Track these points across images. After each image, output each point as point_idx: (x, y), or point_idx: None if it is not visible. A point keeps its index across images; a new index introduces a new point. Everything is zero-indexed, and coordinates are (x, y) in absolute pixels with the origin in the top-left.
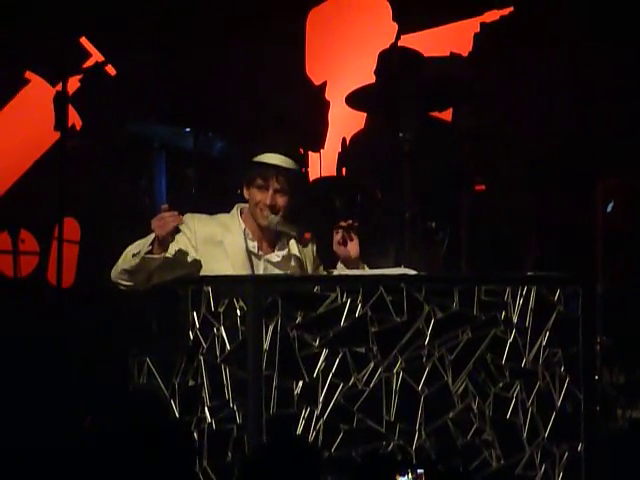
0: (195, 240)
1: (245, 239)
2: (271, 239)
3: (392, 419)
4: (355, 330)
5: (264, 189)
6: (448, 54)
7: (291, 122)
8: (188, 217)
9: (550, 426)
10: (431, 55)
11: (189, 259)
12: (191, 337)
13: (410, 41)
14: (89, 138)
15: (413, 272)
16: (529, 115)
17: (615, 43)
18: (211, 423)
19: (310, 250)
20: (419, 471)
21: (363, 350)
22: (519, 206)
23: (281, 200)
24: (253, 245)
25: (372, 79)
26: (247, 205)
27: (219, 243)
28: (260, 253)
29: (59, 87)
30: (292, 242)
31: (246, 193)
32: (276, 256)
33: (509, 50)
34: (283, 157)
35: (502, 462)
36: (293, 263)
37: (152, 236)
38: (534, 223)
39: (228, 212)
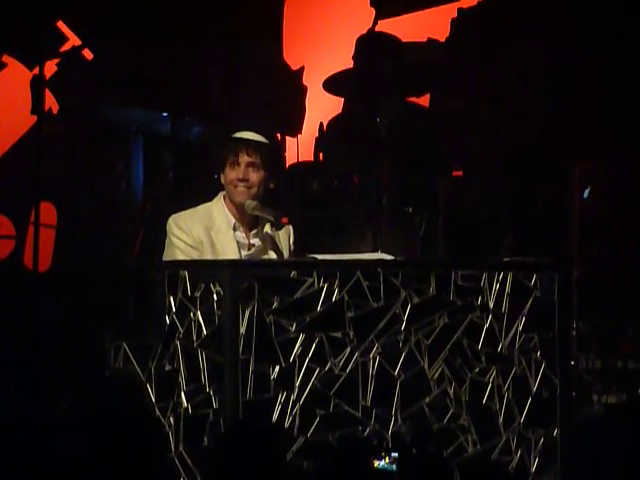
0: (193, 241)
1: (234, 233)
2: (251, 224)
3: (368, 404)
4: (332, 315)
5: (235, 165)
6: (425, 39)
7: (269, 107)
8: (177, 219)
9: (526, 411)
10: (408, 40)
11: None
12: (168, 321)
13: (387, 26)
14: (66, 122)
15: (390, 257)
16: (506, 101)
17: (591, 31)
18: (187, 408)
19: (286, 236)
20: (394, 455)
21: (340, 335)
22: (496, 191)
23: (254, 175)
24: (243, 236)
25: (350, 64)
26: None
27: (211, 240)
28: (250, 242)
29: (36, 71)
30: (267, 227)
31: (222, 178)
32: (242, 237)
33: (486, 36)
34: (252, 133)
35: (478, 447)
36: (269, 249)
37: None
38: (511, 208)
39: (210, 200)
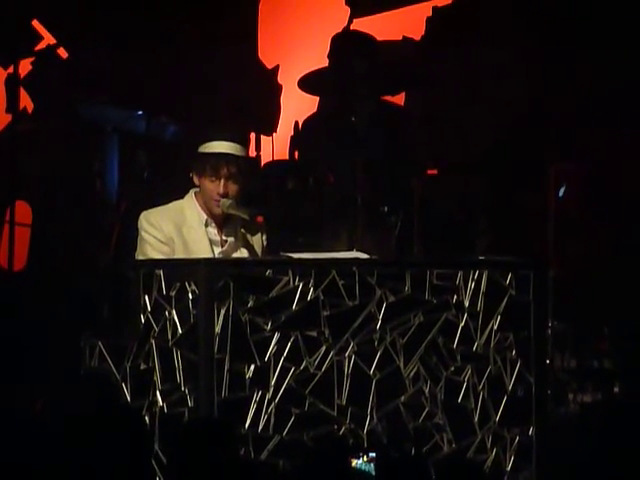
0: (164, 236)
1: (206, 229)
2: (223, 220)
3: (344, 403)
4: (307, 314)
5: (215, 179)
6: (400, 38)
7: (244, 106)
8: (148, 215)
9: (501, 410)
10: (383, 39)
11: (167, 255)
12: (143, 320)
13: (362, 25)
14: (41, 121)
15: (365, 256)
16: (481, 100)
17: (567, 30)
18: (162, 406)
19: (259, 235)
20: (371, 454)
21: (315, 334)
22: (471, 190)
23: (233, 187)
24: (214, 233)
25: (325, 63)
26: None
27: (183, 237)
28: (223, 239)
29: (10, 70)
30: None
31: (197, 180)
32: (214, 234)
33: (461, 34)
34: (231, 144)
35: (453, 446)
36: (241, 246)
37: None
38: (486, 207)
39: (181, 198)
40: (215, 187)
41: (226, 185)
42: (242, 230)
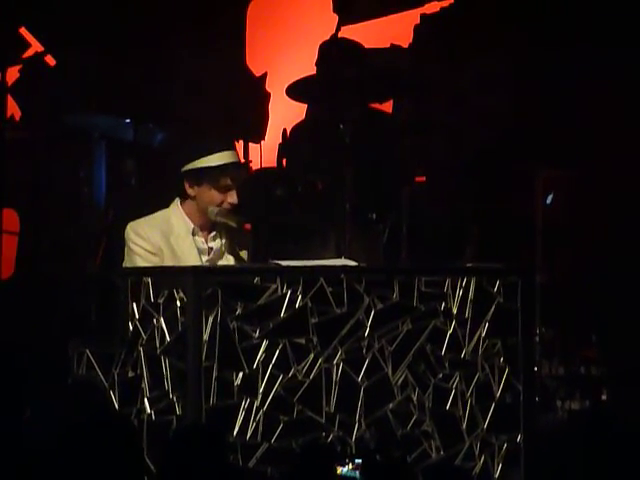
0: (152, 247)
1: (194, 238)
2: (209, 228)
3: (332, 410)
4: (295, 321)
5: (226, 190)
6: (389, 45)
7: (231, 114)
8: (135, 226)
9: (489, 417)
10: (371, 46)
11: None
12: (131, 328)
13: (351, 32)
14: (28, 128)
15: (353, 263)
16: (469, 107)
17: (555, 38)
18: (150, 414)
19: (245, 243)
20: (357, 461)
21: (303, 341)
22: (459, 198)
23: (235, 195)
24: (202, 241)
25: (313, 70)
26: (187, 200)
27: (171, 247)
28: (210, 246)
29: None
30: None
31: (192, 191)
32: (202, 242)
33: (449, 41)
34: (233, 152)
35: (441, 453)
36: (228, 254)
37: None
38: (474, 214)
39: (166, 206)
40: (224, 197)
41: (233, 195)
42: (228, 238)
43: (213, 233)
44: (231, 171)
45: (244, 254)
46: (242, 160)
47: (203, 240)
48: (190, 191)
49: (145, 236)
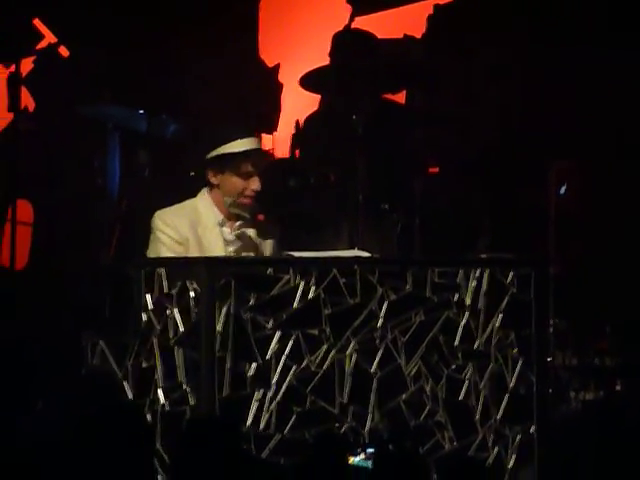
0: (180, 236)
1: (221, 229)
2: (237, 220)
3: (345, 401)
4: (308, 312)
5: (248, 176)
6: (402, 36)
7: (244, 104)
8: (163, 215)
9: (503, 408)
10: (385, 37)
11: (180, 255)
12: (144, 319)
13: (364, 23)
14: (42, 120)
15: (366, 254)
16: (482, 98)
17: (567, 28)
18: (164, 405)
19: (272, 234)
20: (369, 451)
21: (316, 332)
22: (472, 188)
23: (258, 182)
24: (229, 232)
25: (326, 61)
26: (213, 189)
27: (197, 237)
28: (236, 236)
29: (12, 68)
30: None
31: (215, 179)
32: (228, 233)
33: (462, 32)
34: (255, 139)
35: (455, 444)
36: (253, 246)
37: None
38: (487, 205)
39: (185, 197)
40: (246, 184)
41: (254, 181)
42: (253, 229)
43: (239, 223)
44: (253, 157)
45: (269, 245)
46: (264, 148)
47: (229, 230)
48: (213, 180)
49: (172, 225)
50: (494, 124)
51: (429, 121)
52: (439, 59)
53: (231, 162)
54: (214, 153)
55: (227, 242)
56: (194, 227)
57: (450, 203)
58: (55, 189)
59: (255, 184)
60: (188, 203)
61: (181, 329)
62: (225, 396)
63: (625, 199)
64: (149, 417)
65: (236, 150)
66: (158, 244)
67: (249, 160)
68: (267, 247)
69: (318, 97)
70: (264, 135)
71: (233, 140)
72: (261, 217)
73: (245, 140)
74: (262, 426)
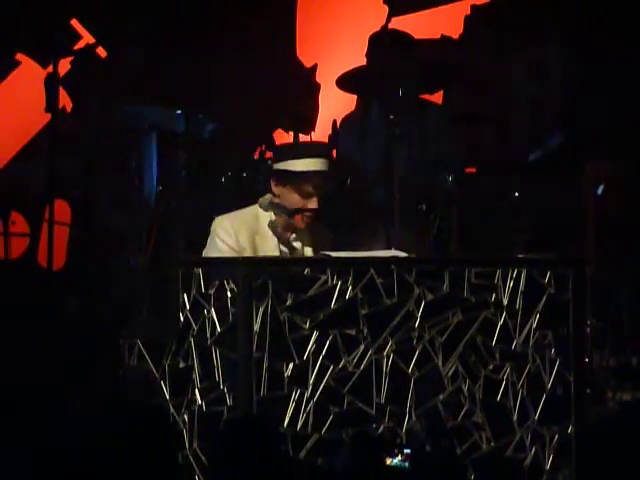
0: (238, 246)
1: (278, 243)
2: (294, 228)
3: (382, 401)
4: (345, 312)
5: (309, 196)
6: (439, 37)
7: (282, 104)
8: (223, 222)
9: (540, 408)
10: (422, 37)
11: None
12: (182, 319)
13: (401, 23)
14: (80, 120)
15: (403, 254)
16: (519, 98)
17: (605, 28)
18: (201, 405)
19: (328, 240)
20: (406, 451)
21: (353, 332)
22: (509, 188)
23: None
24: (283, 247)
25: (363, 61)
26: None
27: (255, 246)
28: (293, 246)
29: (50, 69)
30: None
31: (277, 189)
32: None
33: (500, 33)
34: (325, 160)
35: (492, 444)
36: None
37: None
38: (524, 205)
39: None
40: (305, 203)
41: (313, 202)
42: (311, 237)
43: (298, 234)
44: (313, 179)
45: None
46: (329, 169)
47: (287, 240)
48: (275, 190)
49: (231, 233)
50: (531, 124)
51: (466, 121)
52: (476, 60)
53: (292, 179)
54: (278, 166)
55: (283, 252)
56: (252, 236)
57: (487, 203)
58: (92, 189)
59: (313, 204)
60: (249, 209)
61: (218, 329)
62: (262, 396)
63: None
64: (186, 417)
65: (297, 169)
66: (214, 251)
67: (310, 181)
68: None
69: (355, 98)
70: (302, 135)
71: (299, 158)
72: (298, 218)
73: (309, 160)
74: (299, 426)
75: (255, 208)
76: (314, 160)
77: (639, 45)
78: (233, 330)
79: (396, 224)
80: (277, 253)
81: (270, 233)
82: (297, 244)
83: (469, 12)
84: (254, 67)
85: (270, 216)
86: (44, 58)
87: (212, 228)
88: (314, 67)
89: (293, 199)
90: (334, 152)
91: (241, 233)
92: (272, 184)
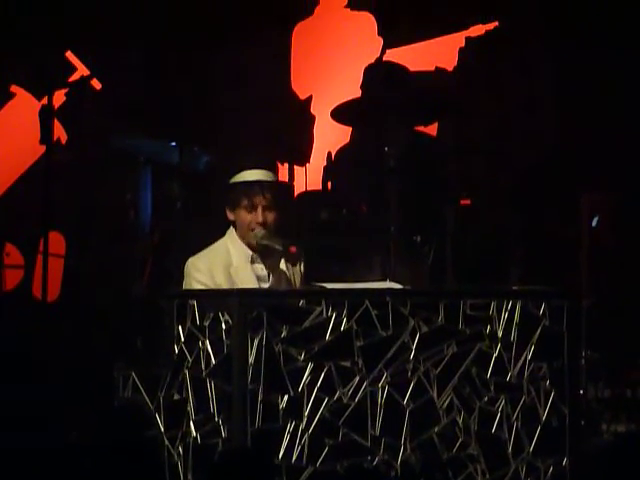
0: (214, 284)
1: (252, 266)
2: (267, 254)
3: (377, 433)
4: (340, 344)
5: (252, 209)
6: (433, 68)
7: (277, 136)
8: (196, 262)
9: (535, 440)
10: (416, 69)
11: None
12: (176, 351)
13: (395, 55)
14: (74, 152)
15: (398, 286)
16: (514, 130)
17: (598, 60)
18: (196, 437)
19: (299, 266)
20: None
21: (348, 364)
22: (504, 220)
23: (270, 216)
24: (261, 268)
25: (358, 93)
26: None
27: (231, 279)
28: (268, 273)
29: (45, 101)
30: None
31: (231, 215)
32: (261, 269)
33: (494, 65)
34: (262, 171)
35: (487, 476)
36: (286, 280)
37: None
38: (519, 237)
39: (218, 231)
40: (252, 217)
41: (263, 215)
42: (284, 262)
43: (270, 260)
44: (260, 189)
45: (298, 278)
46: (277, 180)
47: (262, 267)
48: (230, 216)
49: (205, 271)
50: (525, 155)
51: (461, 153)
52: (471, 91)
53: (234, 195)
54: (226, 187)
55: (260, 278)
56: (227, 269)
57: (482, 235)
58: (87, 221)
59: (257, 217)
60: (218, 244)
61: (213, 361)
62: (257, 428)
63: None
64: (181, 450)
65: (237, 181)
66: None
67: (258, 191)
68: (297, 278)
69: (350, 129)
70: (297, 167)
71: (242, 171)
72: (293, 249)
73: (253, 171)
74: (294, 459)
75: (224, 241)
76: (250, 171)
77: (635, 76)
78: (228, 362)
79: (391, 256)
80: (252, 280)
81: (243, 262)
82: (273, 271)
83: (463, 44)
84: (249, 99)
85: (240, 246)
86: (39, 90)
87: (186, 271)
88: (309, 99)
89: (242, 216)
90: (329, 184)
91: (216, 270)
92: (227, 214)
